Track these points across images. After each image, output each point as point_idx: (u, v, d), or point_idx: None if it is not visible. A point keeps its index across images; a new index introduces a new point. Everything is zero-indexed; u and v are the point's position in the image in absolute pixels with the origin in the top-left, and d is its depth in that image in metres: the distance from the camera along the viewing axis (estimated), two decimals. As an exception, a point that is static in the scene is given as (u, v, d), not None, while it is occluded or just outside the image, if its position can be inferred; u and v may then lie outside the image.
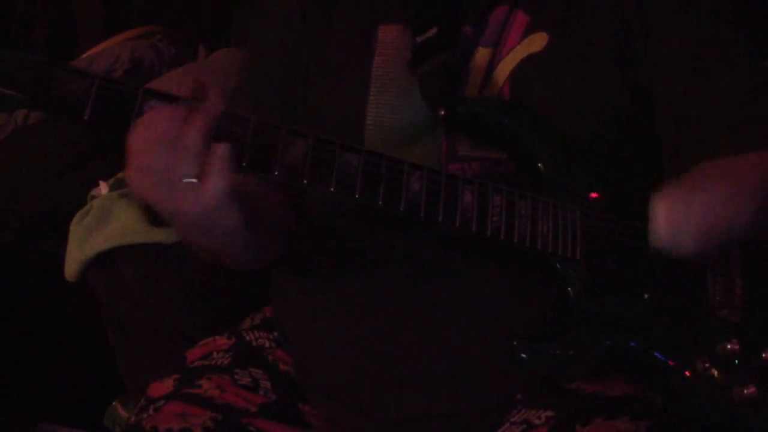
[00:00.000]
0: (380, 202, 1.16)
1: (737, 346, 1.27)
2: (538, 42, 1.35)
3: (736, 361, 1.27)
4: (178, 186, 1.08)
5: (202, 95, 1.09)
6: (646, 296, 1.27)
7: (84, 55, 2.56)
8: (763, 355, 1.28)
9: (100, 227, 2.04)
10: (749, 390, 1.26)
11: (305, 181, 1.14)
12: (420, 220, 1.18)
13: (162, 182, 1.08)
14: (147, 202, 1.11)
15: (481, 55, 1.36)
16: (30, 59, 1.07)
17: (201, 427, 1.29)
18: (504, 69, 1.35)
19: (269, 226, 1.34)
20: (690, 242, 1.20)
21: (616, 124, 1.33)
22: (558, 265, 1.25)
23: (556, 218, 1.24)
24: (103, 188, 2.11)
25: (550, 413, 1.23)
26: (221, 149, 1.07)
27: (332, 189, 1.15)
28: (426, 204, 1.18)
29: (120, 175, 2.14)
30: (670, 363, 1.26)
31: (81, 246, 2.04)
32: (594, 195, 1.28)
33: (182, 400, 1.33)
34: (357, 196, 1.15)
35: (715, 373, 1.26)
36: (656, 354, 1.26)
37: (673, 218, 1.20)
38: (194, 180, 1.07)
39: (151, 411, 1.33)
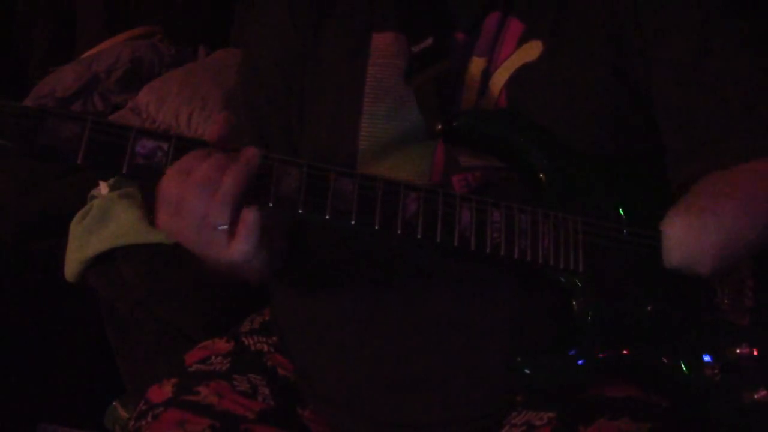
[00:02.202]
0: (377, 227, 1.15)
1: (747, 350, 1.26)
2: (532, 51, 1.33)
3: (746, 365, 1.26)
4: (215, 233, 1.10)
5: (233, 142, 1.12)
6: (649, 304, 1.26)
7: (84, 55, 2.56)
8: None
9: (100, 227, 2.04)
10: (760, 394, 1.25)
11: (300, 211, 1.13)
12: (417, 241, 1.17)
13: (200, 227, 1.10)
14: (181, 243, 1.13)
15: (476, 64, 1.35)
16: (18, 107, 1.06)
17: None
18: (499, 79, 1.34)
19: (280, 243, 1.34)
20: (707, 264, 1.22)
21: (615, 130, 1.32)
22: (561, 279, 1.24)
23: (557, 230, 1.23)
24: (103, 188, 2.11)
25: (551, 414, 1.23)
26: (251, 217, 1.10)
27: (328, 217, 1.14)
28: (423, 225, 1.17)
29: (120, 175, 2.14)
30: (679, 369, 1.26)
31: (81, 246, 2.04)
32: (576, 200, 1.28)
33: (181, 408, 1.33)
34: (353, 222, 1.15)
35: (724, 377, 1.25)
36: (663, 361, 1.26)
37: (688, 244, 1.22)
38: (226, 227, 1.10)
39: (149, 418, 1.34)
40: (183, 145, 1.10)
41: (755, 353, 1.27)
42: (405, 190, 1.17)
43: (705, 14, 1.32)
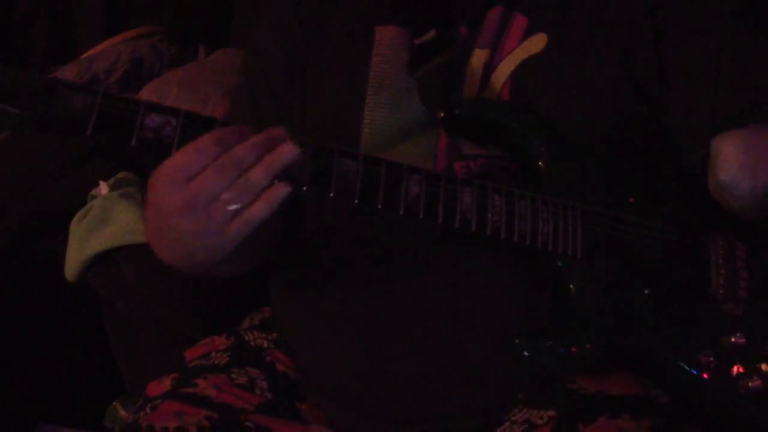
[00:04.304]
0: (379, 207, 1.17)
1: (742, 339, 1.27)
2: (537, 43, 1.35)
3: (742, 354, 1.27)
4: (220, 213, 1.10)
5: (275, 135, 1.13)
6: (646, 292, 1.27)
7: (84, 55, 2.56)
8: None
9: (100, 227, 2.04)
10: (755, 383, 1.26)
11: (305, 188, 1.15)
12: (419, 222, 1.18)
13: (206, 206, 1.10)
14: (168, 218, 1.13)
15: (478, 56, 1.36)
16: (32, 78, 1.08)
17: (196, 425, 1.29)
18: (503, 71, 1.35)
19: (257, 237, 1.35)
20: (760, 181, 1.20)
21: (619, 122, 1.33)
22: (559, 263, 1.25)
23: (557, 216, 1.24)
24: (103, 188, 2.11)
25: (552, 413, 1.24)
26: (282, 190, 1.11)
27: (332, 194, 1.16)
28: (425, 207, 1.18)
29: (120, 175, 2.15)
30: (674, 358, 1.27)
31: (81, 246, 2.04)
32: (575, 188, 1.28)
33: (178, 399, 1.34)
34: (356, 201, 1.16)
35: (720, 366, 1.26)
36: (660, 349, 1.27)
37: (748, 151, 1.20)
38: (237, 207, 1.10)
39: (148, 410, 1.34)
40: (191, 121, 1.12)
41: (749, 343, 1.27)
42: (407, 172, 1.18)
43: (724, 14, 1.33)
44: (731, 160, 1.21)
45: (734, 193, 1.23)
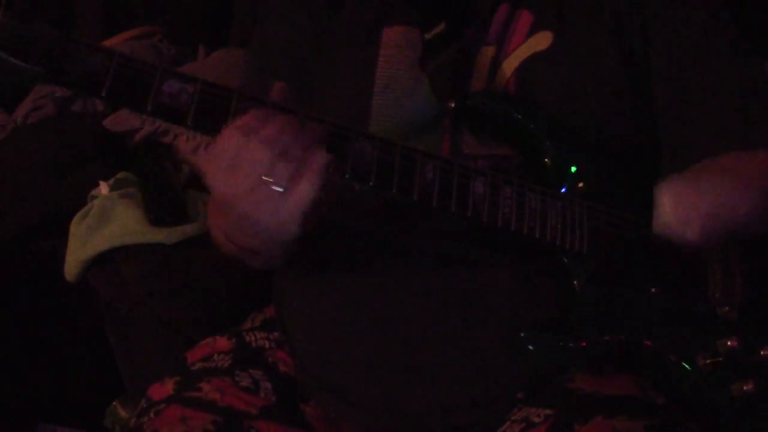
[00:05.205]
0: (394, 191, 1.16)
1: (736, 343, 1.28)
2: (543, 41, 1.36)
3: (735, 358, 1.28)
4: (266, 192, 1.10)
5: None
6: (653, 290, 1.29)
7: (84, 55, 2.56)
8: (762, 352, 1.30)
9: (100, 227, 2.04)
10: (748, 386, 1.28)
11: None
12: (432, 209, 1.18)
13: (254, 185, 1.10)
14: (221, 199, 1.13)
15: (485, 52, 1.37)
16: (49, 33, 1.06)
17: (201, 430, 1.30)
18: (509, 67, 1.36)
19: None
20: (696, 229, 1.22)
21: (621, 120, 1.35)
22: (565, 259, 1.26)
23: (564, 212, 1.25)
24: (103, 188, 2.11)
25: (549, 411, 1.24)
26: (322, 157, 1.10)
27: (347, 176, 1.15)
28: (439, 193, 1.18)
29: (120, 175, 2.15)
30: (672, 358, 1.28)
31: (81, 246, 2.04)
32: (580, 185, 1.29)
33: (183, 404, 1.34)
34: (372, 183, 1.15)
35: (715, 369, 1.27)
36: (658, 349, 1.28)
37: (681, 204, 1.22)
38: (282, 189, 1.10)
39: (152, 414, 1.34)
40: (209, 89, 1.10)
41: (744, 346, 1.29)
42: (422, 158, 1.18)
43: (703, 13, 1.35)
44: (665, 212, 1.23)
45: (672, 240, 1.24)
